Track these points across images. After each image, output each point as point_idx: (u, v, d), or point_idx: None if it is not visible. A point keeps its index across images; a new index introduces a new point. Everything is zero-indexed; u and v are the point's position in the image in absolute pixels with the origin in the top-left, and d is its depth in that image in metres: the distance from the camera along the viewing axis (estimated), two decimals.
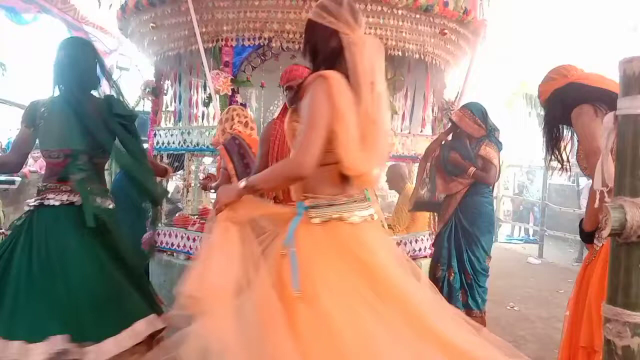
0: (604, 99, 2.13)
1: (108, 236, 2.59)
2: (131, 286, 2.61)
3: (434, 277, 4.01)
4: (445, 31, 4.84)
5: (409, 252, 5.01)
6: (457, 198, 4.06)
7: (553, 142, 2.44)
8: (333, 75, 1.71)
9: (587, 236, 2.24)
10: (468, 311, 3.82)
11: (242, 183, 1.82)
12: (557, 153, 2.45)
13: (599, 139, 2.06)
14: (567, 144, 2.43)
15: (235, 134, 3.73)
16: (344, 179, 1.82)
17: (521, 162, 14.12)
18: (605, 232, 1.12)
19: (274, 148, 2.98)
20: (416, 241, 5.12)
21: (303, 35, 1.96)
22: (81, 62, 2.67)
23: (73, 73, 2.63)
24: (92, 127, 2.57)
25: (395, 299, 1.69)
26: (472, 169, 3.96)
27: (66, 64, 2.63)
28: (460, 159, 4.03)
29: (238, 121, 3.84)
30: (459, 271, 4.01)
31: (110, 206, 2.70)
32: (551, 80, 2.40)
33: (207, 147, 4.74)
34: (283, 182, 1.90)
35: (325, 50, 1.81)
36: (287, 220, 1.80)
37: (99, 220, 2.52)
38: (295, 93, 1.85)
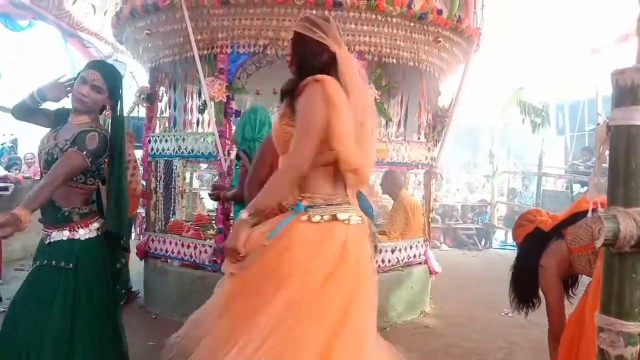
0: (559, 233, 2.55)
1: None
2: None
3: None
4: (439, 39, 4.86)
5: (404, 258, 5.02)
6: None
7: (524, 281, 2.71)
8: (327, 77, 1.80)
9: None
10: None
11: (244, 214, 1.83)
12: (525, 295, 2.76)
13: (549, 295, 2.58)
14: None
15: None
16: (338, 180, 1.90)
17: (515, 168, 14.20)
18: (599, 242, 1.13)
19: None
20: (410, 247, 5.12)
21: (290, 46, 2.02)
22: None
23: None
24: None
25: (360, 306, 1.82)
26: None
27: None
28: None
29: None
30: None
31: None
32: (522, 227, 2.76)
33: (202, 153, 4.74)
34: (284, 188, 1.87)
35: (315, 63, 1.89)
36: (282, 217, 1.88)
37: None
38: (290, 98, 1.89)
